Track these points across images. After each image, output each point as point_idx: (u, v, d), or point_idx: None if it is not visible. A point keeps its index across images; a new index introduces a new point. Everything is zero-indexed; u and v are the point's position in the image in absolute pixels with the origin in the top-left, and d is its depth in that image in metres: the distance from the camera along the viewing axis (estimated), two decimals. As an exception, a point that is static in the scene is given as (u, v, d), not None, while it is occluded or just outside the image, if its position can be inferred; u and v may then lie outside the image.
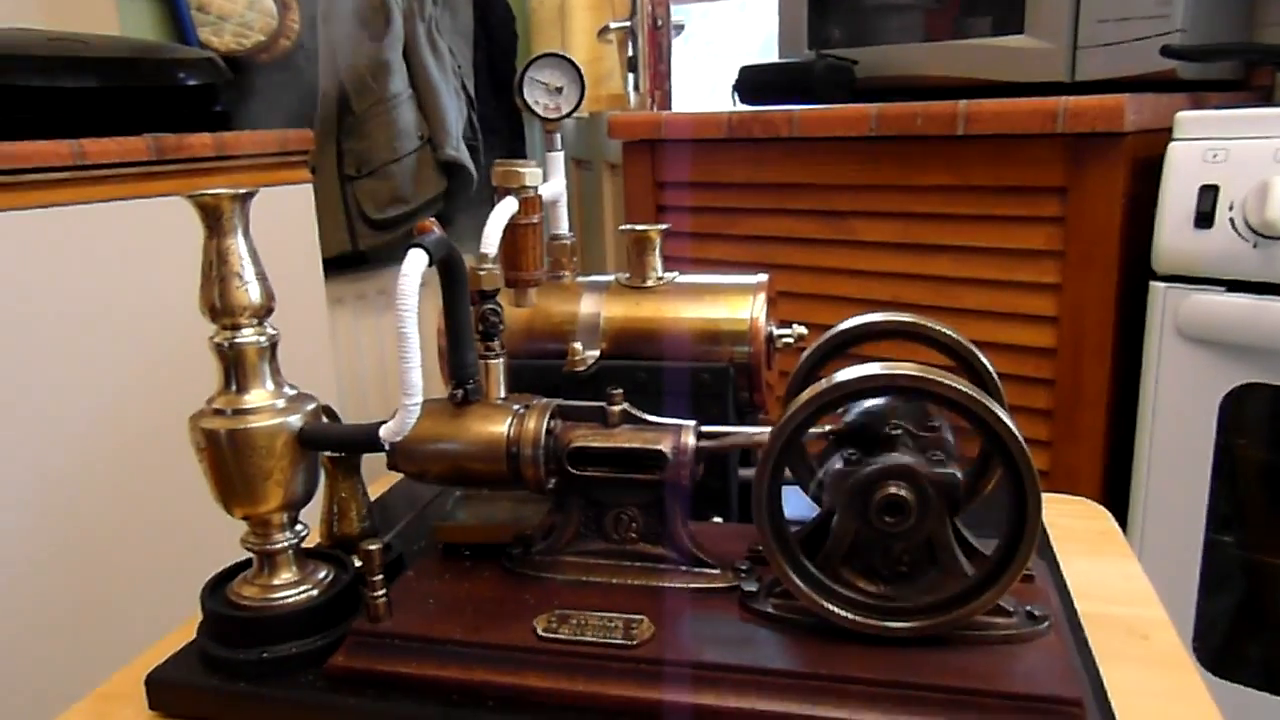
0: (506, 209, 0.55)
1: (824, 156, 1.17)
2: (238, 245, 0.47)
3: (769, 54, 1.53)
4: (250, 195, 0.47)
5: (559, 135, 0.65)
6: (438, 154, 1.75)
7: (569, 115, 0.64)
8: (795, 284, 1.22)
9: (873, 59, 1.30)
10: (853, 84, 1.28)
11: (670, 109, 1.60)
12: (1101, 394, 1.03)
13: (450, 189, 1.79)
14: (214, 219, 0.47)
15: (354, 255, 1.77)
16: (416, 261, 0.46)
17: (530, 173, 0.56)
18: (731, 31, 2.01)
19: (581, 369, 0.60)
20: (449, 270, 0.49)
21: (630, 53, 1.69)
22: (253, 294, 0.48)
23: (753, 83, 1.32)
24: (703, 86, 2.03)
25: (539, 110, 0.63)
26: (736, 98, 1.34)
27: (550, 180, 0.64)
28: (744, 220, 1.26)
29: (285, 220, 1.39)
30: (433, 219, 0.52)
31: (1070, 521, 0.68)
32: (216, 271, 0.47)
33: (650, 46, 1.62)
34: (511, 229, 0.56)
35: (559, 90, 0.63)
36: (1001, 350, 1.08)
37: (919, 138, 1.08)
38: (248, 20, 1.61)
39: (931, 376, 0.42)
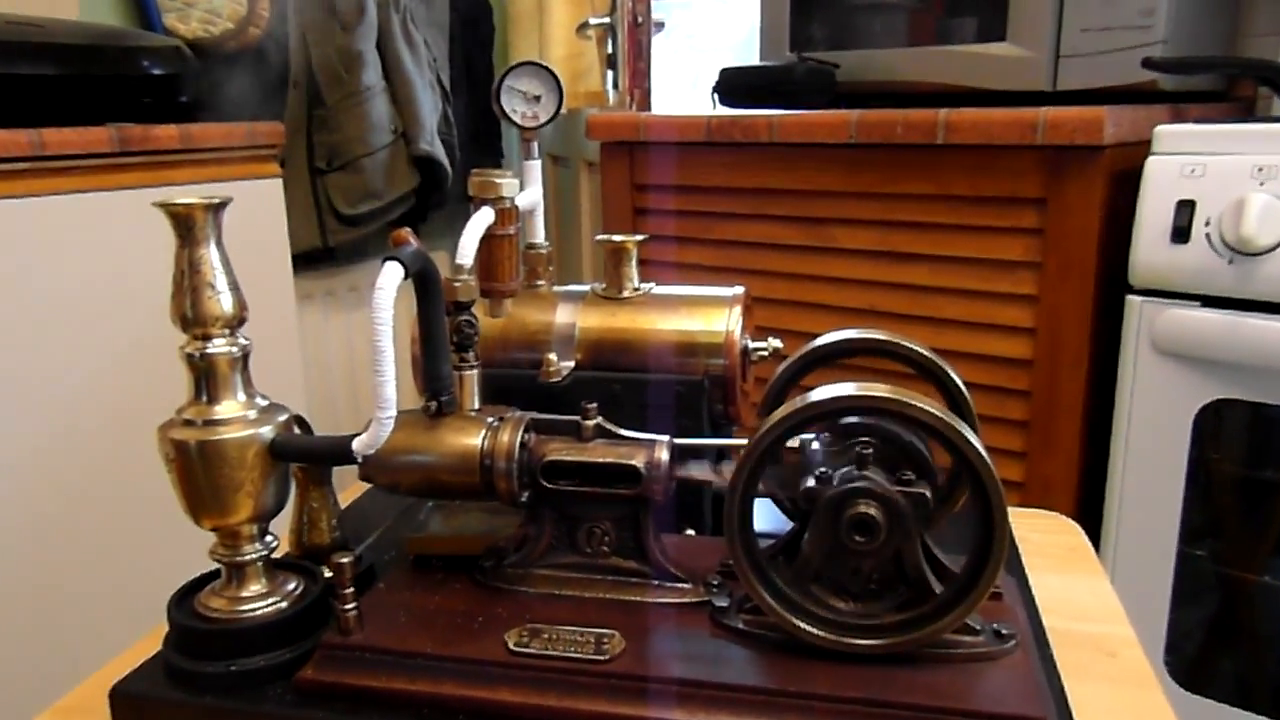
0: (483, 220, 0.56)
1: (804, 162, 1.19)
2: (210, 255, 0.48)
3: (751, 50, 1.55)
4: (223, 205, 0.48)
5: (536, 142, 0.66)
6: (411, 149, 1.76)
7: (547, 124, 0.65)
8: (773, 290, 1.24)
9: (855, 63, 1.32)
10: (834, 88, 1.31)
11: (650, 108, 1.61)
12: (1077, 406, 1.06)
13: (424, 185, 1.80)
14: (186, 228, 0.48)
15: (324, 251, 1.77)
16: (392, 275, 0.47)
17: (507, 183, 0.58)
18: (713, 26, 2.03)
19: (556, 380, 0.61)
20: (424, 282, 0.50)
21: (609, 49, 1.70)
22: (225, 304, 0.48)
23: (733, 85, 1.34)
24: (683, 83, 2.05)
25: (516, 119, 0.64)
26: (717, 99, 1.36)
27: (527, 189, 0.65)
28: (723, 225, 1.28)
29: (253, 215, 1.39)
30: (408, 229, 0.53)
31: (1041, 537, 0.70)
32: (188, 281, 0.48)
33: (630, 44, 1.63)
34: (487, 239, 0.57)
35: (537, 99, 0.65)
36: (978, 361, 1.11)
37: (899, 146, 1.11)
38: (215, 7, 1.61)
39: (902, 398, 0.43)
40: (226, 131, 1.34)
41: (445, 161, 1.79)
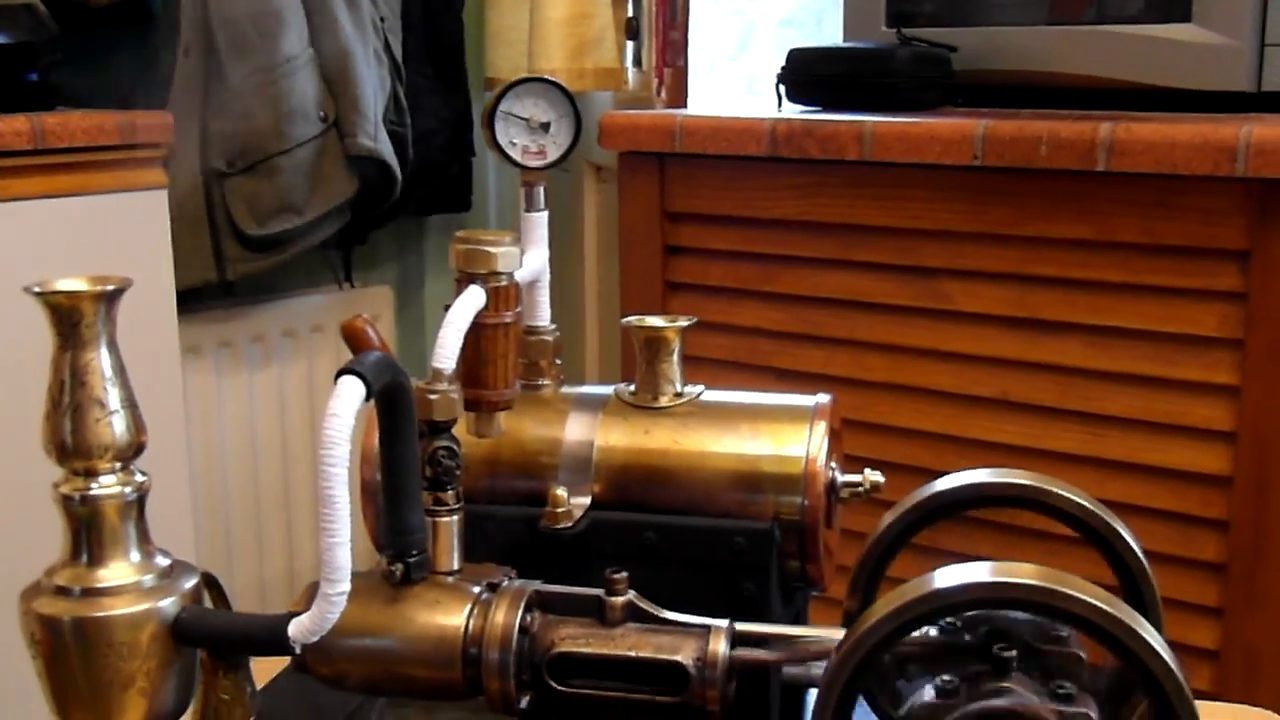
0: (470, 305, 0.58)
1: (908, 189, 1.21)
2: (100, 361, 0.50)
3: (829, 25, 1.58)
4: (120, 291, 0.50)
5: (542, 188, 0.68)
6: (347, 144, 1.78)
7: (558, 163, 0.67)
8: (862, 368, 1.26)
9: (976, 45, 1.35)
10: (949, 81, 1.33)
11: (685, 96, 1.64)
12: (1296, 544, 1.07)
13: (363, 193, 1.82)
14: (69, 325, 0.50)
15: (219, 285, 1.79)
16: (350, 395, 0.48)
17: (504, 253, 0.60)
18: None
19: (565, 524, 0.62)
20: (392, 403, 0.52)
21: (630, 11, 1.74)
22: (118, 429, 0.50)
23: (806, 75, 1.36)
24: (726, 49, 2.07)
25: (516, 155, 0.66)
26: (783, 94, 1.39)
27: (529, 252, 0.67)
28: (790, 274, 1.30)
29: (125, 240, 1.42)
30: (363, 316, 0.55)
31: (1245, 750, 0.70)
32: (70, 398, 0.50)
33: (660, 5, 1.67)
34: (475, 330, 0.59)
35: (545, 127, 0.67)
36: (1155, 476, 1.12)
37: (1043, 171, 1.13)
38: (81, -54, 1.65)
39: (1063, 589, 0.45)
40: (94, 124, 1.37)
41: (394, 162, 1.82)
